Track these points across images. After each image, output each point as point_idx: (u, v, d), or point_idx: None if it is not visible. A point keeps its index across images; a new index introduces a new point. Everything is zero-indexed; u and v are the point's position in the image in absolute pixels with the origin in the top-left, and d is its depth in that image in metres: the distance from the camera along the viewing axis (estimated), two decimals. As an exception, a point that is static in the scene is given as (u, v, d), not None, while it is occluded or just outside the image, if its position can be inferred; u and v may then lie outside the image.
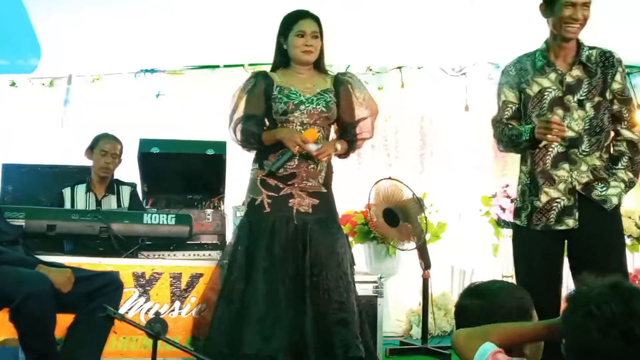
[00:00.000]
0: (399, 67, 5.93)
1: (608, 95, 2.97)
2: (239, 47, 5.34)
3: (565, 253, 3.05)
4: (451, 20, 4.88)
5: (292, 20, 3.29)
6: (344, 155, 3.43)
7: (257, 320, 3.10)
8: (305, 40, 3.26)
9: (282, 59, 3.35)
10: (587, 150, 2.95)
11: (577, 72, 2.98)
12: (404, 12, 4.77)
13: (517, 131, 2.98)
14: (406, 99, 5.92)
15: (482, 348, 1.64)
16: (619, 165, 2.99)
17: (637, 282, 5.06)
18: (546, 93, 2.98)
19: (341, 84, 3.38)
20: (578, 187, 2.93)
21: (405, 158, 5.92)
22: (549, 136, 2.82)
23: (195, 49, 5.47)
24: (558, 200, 2.95)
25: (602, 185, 2.95)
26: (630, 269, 5.24)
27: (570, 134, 2.91)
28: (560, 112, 2.94)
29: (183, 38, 5.17)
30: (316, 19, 3.31)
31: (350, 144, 3.40)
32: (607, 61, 2.98)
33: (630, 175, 3.00)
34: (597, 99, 2.96)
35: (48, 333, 2.82)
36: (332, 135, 3.44)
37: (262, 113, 3.32)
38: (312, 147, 3.20)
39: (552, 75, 2.99)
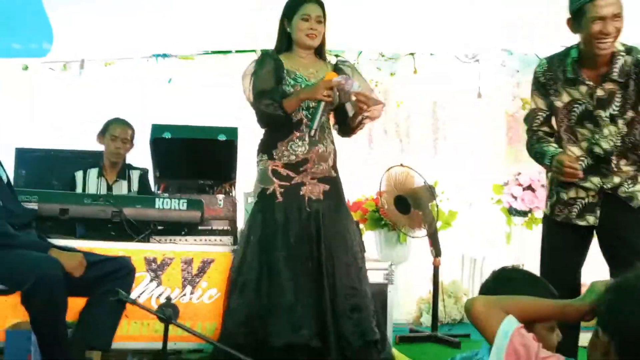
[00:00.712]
0: (412, 54, 5.90)
1: None
2: (251, 33, 5.33)
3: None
4: (464, 6, 4.84)
5: (297, 4, 3.27)
6: (350, 130, 3.37)
7: (286, 310, 3.10)
8: (309, 24, 3.25)
9: (285, 43, 3.34)
10: (619, 166, 2.85)
11: (609, 85, 2.81)
12: (417, -2, 4.74)
13: (541, 150, 2.89)
14: (419, 85, 5.90)
15: (506, 324, 1.58)
16: None
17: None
18: (576, 105, 2.86)
19: (341, 72, 3.35)
20: (606, 188, 2.87)
21: (417, 144, 5.91)
22: (561, 177, 2.77)
23: (207, 34, 5.46)
24: (583, 197, 2.90)
25: (630, 182, 2.87)
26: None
27: (598, 150, 2.83)
28: (590, 125, 2.84)
29: (195, 23, 5.16)
30: (321, 4, 3.29)
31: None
32: None
33: None
34: (630, 114, 2.82)
35: (59, 317, 2.83)
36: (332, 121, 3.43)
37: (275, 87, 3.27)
38: (355, 86, 3.10)
39: (583, 88, 2.84)
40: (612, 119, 2.83)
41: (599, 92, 2.82)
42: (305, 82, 3.26)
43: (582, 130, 2.87)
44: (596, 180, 2.87)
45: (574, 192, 2.92)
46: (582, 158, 2.86)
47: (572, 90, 2.86)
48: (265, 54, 3.39)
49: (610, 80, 2.80)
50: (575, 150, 2.89)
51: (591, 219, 2.90)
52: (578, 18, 2.74)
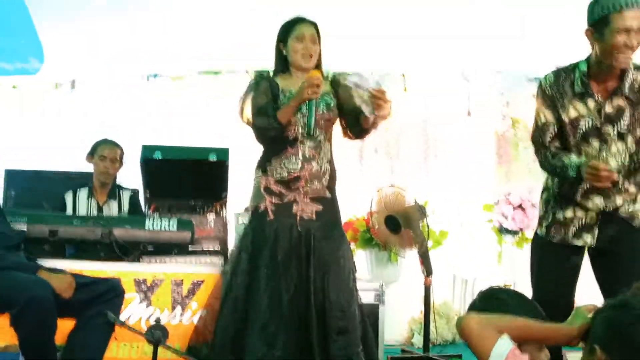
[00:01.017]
0: (403, 75, 5.94)
1: None
2: (242, 53, 5.34)
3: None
4: (455, 26, 4.88)
5: (291, 26, 3.30)
6: (364, 131, 3.32)
7: (261, 327, 3.09)
8: (304, 45, 3.26)
9: (282, 65, 3.35)
10: (624, 187, 2.79)
11: (618, 101, 2.75)
12: (407, 17, 4.78)
13: (561, 163, 2.78)
14: (409, 103, 5.92)
15: (501, 344, 1.59)
16: None
17: None
18: (582, 121, 2.78)
19: (338, 84, 3.36)
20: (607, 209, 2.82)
21: (408, 163, 5.92)
22: (597, 184, 2.65)
23: (198, 55, 5.47)
24: (581, 217, 2.85)
25: (631, 202, 2.82)
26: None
27: (612, 164, 2.74)
28: (596, 143, 2.78)
29: (186, 43, 5.18)
30: (314, 24, 3.31)
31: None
32: None
33: None
34: (638, 133, 2.76)
35: (48, 339, 2.81)
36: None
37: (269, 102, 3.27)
38: (373, 83, 3.08)
39: (591, 103, 2.77)
40: (620, 136, 2.76)
41: (608, 108, 2.75)
42: None
43: (587, 148, 2.79)
44: (599, 200, 2.81)
45: (571, 212, 2.86)
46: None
47: (579, 105, 2.78)
48: (259, 75, 3.39)
49: (620, 95, 2.74)
50: None
51: (588, 239, 2.85)
52: (601, 28, 2.64)
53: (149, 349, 2.75)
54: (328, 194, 3.32)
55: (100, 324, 2.89)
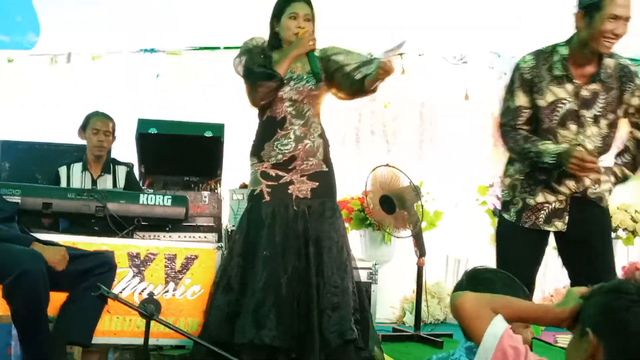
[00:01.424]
0: (400, 54, 5.91)
1: (620, 113, 2.84)
2: (239, 29, 5.30)
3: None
4: (453, 8, 4.85)
5: (285, 3, 3.28)
6: (365, 91, 3.24)
7: (253, 309, 3.10)
8: (297, 23, 3.25)
9: (275, 41, 3.34)
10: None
11: (594, 85, 2.83)
12: (406, 1, 4.74)
13: (536, 149, 2.82)
14: (406, 85, 5.90)
15: (496, 324, 1.58)
16: (618, 161, 2.94)
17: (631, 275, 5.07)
18: (560, 105, 2.84)
19: (328, 59, 3.33)
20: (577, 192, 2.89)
21: (404, 145, 5.92)
22: (579, 173, 2.73)
23: (195, 30, 5.45)
24: (553, 203, 2.90)
25: (596, 184, 2.89)
26: (625, 261, 5.26)
27: (588, 147, 2.82)
28: (573, 127, 2.84)
29: (183, 19, 5.14)
30: (309, 2, 3.30)
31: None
32: (624, 76, 2.82)
33: (626, 172, 2.94)
34: (611, 115, 2.84)
35: (41, 311, 2.82)
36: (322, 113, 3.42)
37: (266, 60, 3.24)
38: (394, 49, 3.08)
39: (569, 86, 2.84)
40: (595, 120, 2.83)
41: (584, 92, 2.82)
42: (288, 74, 3.24)
43: (564, 131, 2.85)
44: (571, 183, 2.87)
45: (541, 197, 2.91)
46: None
47: (558, 89, 2.84)
48: (254, 42, 3.34)
49: (597, 81, 2.82)
50: None
51: (559, 225, 2.91)
52: (592, 12, 2.70)
53: (141, 322, 2.76)
54: (325, 167, 3.33)
55: (92, 296, 2.89)
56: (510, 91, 2.95)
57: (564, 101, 2.83)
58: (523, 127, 2.92)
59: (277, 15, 3.31)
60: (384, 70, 3.05)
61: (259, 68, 3.18)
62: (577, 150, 2.77)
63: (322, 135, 3.35)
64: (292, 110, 3.26)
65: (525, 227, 2.95)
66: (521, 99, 2.91)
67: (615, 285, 1.58)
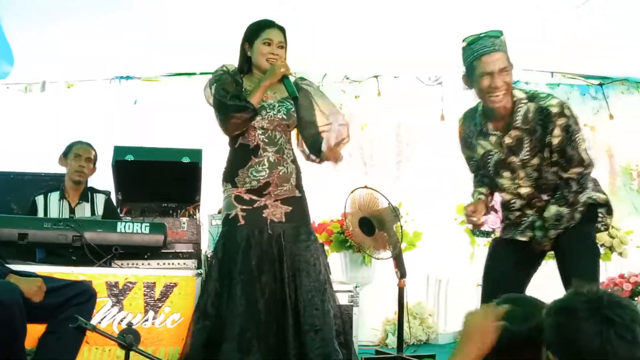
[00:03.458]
0: (376, 76, 5.96)
1: (546, 153, 2.87)
2: (215, 55, 5.31)
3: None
4: (427, 29, 4.90)
5: (259, 28, 3.30)
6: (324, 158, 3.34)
7: (237, 334, 3.08)
8: (271, 49, 3.27)
9: (245, 65, 3.35)
10: (548, 200, 2.93)
11: (515, 132, 2.88)
12: (380, 21, 4.79)
13: (472, 193, 3.11)
14: (383, 107, 5.95)
15: None
16: (559, 198, 2.95)
17: (610, 290, 5.11)
18: (489, 156, 2.98)
19: (300, 91, 3.36)
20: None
21: (382, 166, 5.95)
22: (469, 223, 3.00)
23: (171, 56, 5.45)
24: (529, 216, 3.00)
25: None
26: (604, 277, 5.30)
27: (524, 190, 2.95)
28: (507, 174, 2.95)
29: (159, 45, 5.14)
30: (282, 30, 3.32)
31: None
32: (545, 118, 2.83)
33: (562, 209, 2.93)
34: (538, 158, 2.88)
35: (18, 343, 2.77)
36: (293, 138, 3.43)
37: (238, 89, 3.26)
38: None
39: (492, 138, 2.95)
40: (524, 164, 2.92)
41: (507, 140, 2.90)
42: (261, 103, 3.25)
43: (501, 180, 2.98)
44: (531, 212, 2.98)
45: (519, 212, 3.01)
46: (512, 202, 2.98)
47: (484, 142, 2.98)
48: (224, 69, 3.34)
49: (515, 128, 2.88)
50: (505, 196, 3.01)
51: (530, 234, 2.99)
52: (470, 74, 2.86)
53: (121, 353, 2.73)
54: (297, 193, 3.35)
55: (71, 328, 2.84)
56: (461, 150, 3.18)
57: (492, 152, 2.96)
58: (479, 173, 3.10)
59: (249, 39, 3.32)
60: (330, 157, 3.23)
61: (232, 100, 3.18)
62: (472, 202, 3.02)
63: (294, 161, 3.37)
64: (265, 138, 3.27)
65: (506, 237, 3.06)
66: (465, 152, 3.12)
67: (564, 304, 1.58)
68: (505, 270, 3.02)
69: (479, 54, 2.80)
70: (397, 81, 5.99)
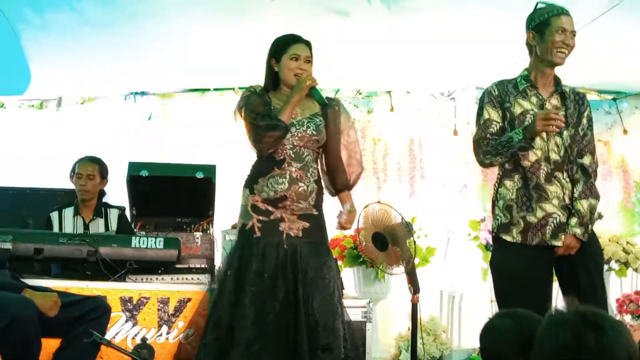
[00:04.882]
0: (389, 92, 5.98)
1: (580, 131, 3.07)
2: (229, 71, 5.36)
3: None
4: (440, 45, 4.92)
5: (287, 44, 3.31)
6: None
7: (245, 346, 3.08)
8: (299, 64, 3.28)
9: (273, 82, 3.36)
10: (568, 178, 3.04)
11: (555, 101, 3.09)
12: (393, 37, 4.81)
13: (506, 137, 3.02)
14: (396, 122, 5.96)
15: None
16: (576, 195, 3.03)
17: (625, 307, 5.06)
18: (528, 115, 3.05)
19: (329, 108, 3.39)
20: (568, 203, 3.02)
21: (395, 181, 5.95)
22: (549, 128, 2.90)
23: (185, 72, 5.49)
24: (554, 215, 3.00)
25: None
26: (619, 293, 5.26)
27: (554, 156, 3.03)
28: (542, 134, 3.01)
29: (173, 61, 5.18)
30: (309, 45, 3.34)
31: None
32: (580, 100, 3.13)
33: (591, 201, 3.04)
34: (572, 130, 3.06)
35: (33, 358, 2.78)
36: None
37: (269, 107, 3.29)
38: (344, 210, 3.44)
39: (534, 99, 3.09)
40: (559, 132, 3.02)
41: (548, 106, 3.07)
42: (291, 121, 3.27)
43: (536, 139, 3.01)
44: (558, 184, 3.02)
45: (540, 211, 3.00)
46: (541, 166, 3.02)
47: (524, 102, 3.09)
48: (252, 89, 3.36)
49: (557, 95, 3.09)
50: (533, 156, 3.03)
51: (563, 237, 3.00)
52: (542, 29, 3.04)
53: (135, 367, 2.74)
54: (315, 211, 3.33)
55: (85, 343, 2.86)
56: (479, 110, 3.18)
57: (531, 112, 3.05)
58: (494, 137, 3.08)
59: (276, 55, 3.32)
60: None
61: (263, 120, 3.19)
62: (540, 112, 2.99)
63: (317, 182, 3.35)
64: (292, 153, 3.27)
65: (532, 244, 3.01)
66: (490, 113, 3.13)
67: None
68: (538, 277, 2.99)
69: (558, 12, 3.03)
70: (409, 96, 6.00)
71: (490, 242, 5.32)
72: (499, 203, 3.11)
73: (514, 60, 5.03)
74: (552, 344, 1.61)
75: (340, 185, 3.47)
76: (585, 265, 3.01)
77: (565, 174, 3.03)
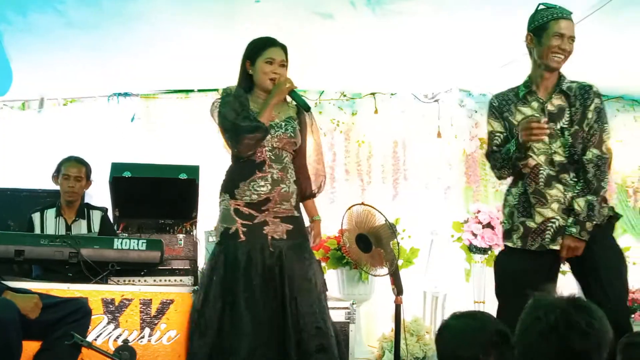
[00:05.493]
0: (373, 94, 5.99)
1: (585, 126, 3.03)
2: (213, 72, 5.35)
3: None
4: (424, 47, 4.94)
5: (262, 47, 3.30)
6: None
7: (247, 354, 3.06)
8: (273, 68, 3.27)
9: (247, 84, 3.34)
10: (576, 178, 3.02)
11: (558, 101, 3.07)
12: (377, 39, 4.83)
13: (505, 149, 3.07)
14: (380, 124, 5.97)
15: None
16: (575, 193, 3.01)
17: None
18: None
19: (303, 114, 3.41)
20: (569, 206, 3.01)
21: (379, 183, 5.96)
22: (532, 137, 2.91)
23: (169, 74, 5.47)
24: (554, 220, 3.01)
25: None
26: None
27: (558, 158, 3.02)
28: (545, 139, 3.00)
29: (157, 62, 5.16)
30: (284, 48, 3.32)
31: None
32: (586, 94, 3.06)
33: (588, 198, 3.01)
34: (575, 127, 3.03)
35: (13, 361, 2.76)
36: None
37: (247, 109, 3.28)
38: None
39: (534, 104, 3.09)
40: (562, 132, 3.04)
41: (549, 107, 3.07)
42: (270, 123, 3.26)
43: (538, 144, 3.03)
44: (560, 187, 3.01)
45: (539, 216, 3.02)
46: (542, 169, 3.03)
47: (525, 108, 3.11)
48: (228, 91, 3.34)
49: (559, 93, 3.07)
50: (533, 162, 3.04)
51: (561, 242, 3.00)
52: (540, 33, 3.04)
53: (116, 370, 2.72)
54: (296, 213, 3.34)
55: (66, 345, 2.84)
56: (487, 123, 3.24)
57: (532, 116, 3.05)
58: (499, 149, 3.14)
59: (251, 57, 3.31)
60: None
61: (244, 121, 3.18)
62: (521, 122, 3.00)
63: (296, 182, 3.36)
64: (272, 155, 3.27)
65: (532, 249, 3.03)
66: (492, 125, 3.20)
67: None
68: (539, 281, 2.97)
69: (557, 16, 3.03)
70: (394, 98, 6.02)
71: (473, 243, 5.38)
72: (505, 210, 3.18)
73: (498, 63, 5.11)
74: (542, 325, 1.69)
75: (308, 192, 3.48)
76: (594, 264, 2.98)
77: (572, 174, 3.03)
